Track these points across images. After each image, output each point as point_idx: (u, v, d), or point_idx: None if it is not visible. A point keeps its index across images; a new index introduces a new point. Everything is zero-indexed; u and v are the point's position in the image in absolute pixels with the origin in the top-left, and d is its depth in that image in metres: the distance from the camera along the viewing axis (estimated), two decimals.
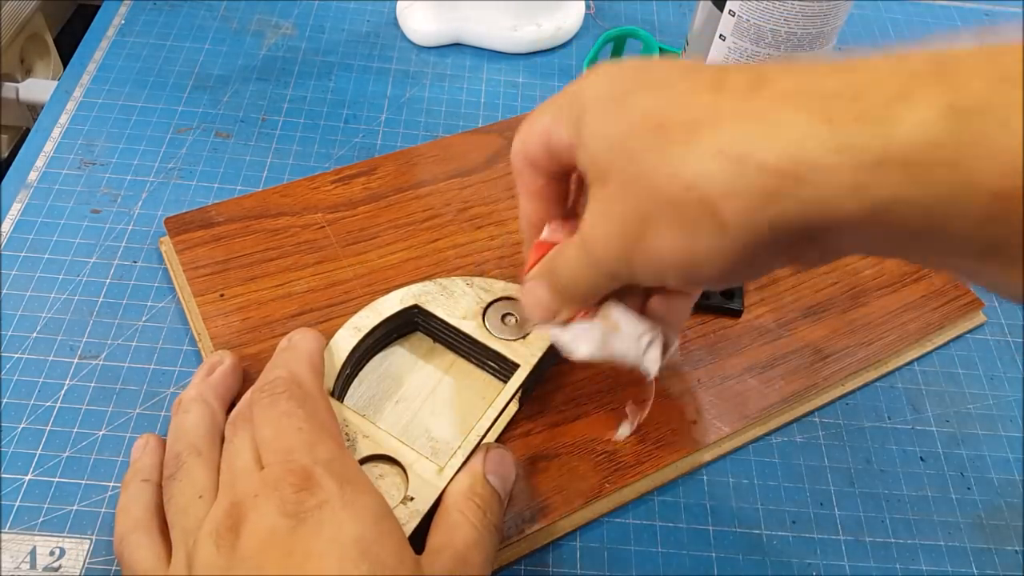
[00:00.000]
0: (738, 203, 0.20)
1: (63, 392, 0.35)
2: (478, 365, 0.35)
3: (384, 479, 0.30)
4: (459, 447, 0.31)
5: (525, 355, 0.33)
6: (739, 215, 0.20)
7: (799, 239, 0.20)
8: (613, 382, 0.36)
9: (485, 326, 0.34)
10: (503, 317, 0.34)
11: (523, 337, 0.34)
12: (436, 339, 0.36)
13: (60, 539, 0.31)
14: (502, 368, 0.34)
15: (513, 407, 0.34)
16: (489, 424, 0.31)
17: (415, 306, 0.35)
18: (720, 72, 0.22)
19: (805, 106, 0.19)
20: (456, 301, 0.35)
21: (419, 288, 0.35)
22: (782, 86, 0.20)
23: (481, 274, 0.38)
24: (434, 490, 0.29)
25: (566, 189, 0.29)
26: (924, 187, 0.18)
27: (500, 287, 0.35)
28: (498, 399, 0.32)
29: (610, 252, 0.24)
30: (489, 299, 0.35)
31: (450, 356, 0.36)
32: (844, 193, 0.18)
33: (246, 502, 0.25)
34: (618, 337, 0.28)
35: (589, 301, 0.28)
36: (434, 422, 0.34)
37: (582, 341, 0.29)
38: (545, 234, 0.29)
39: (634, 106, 0.22)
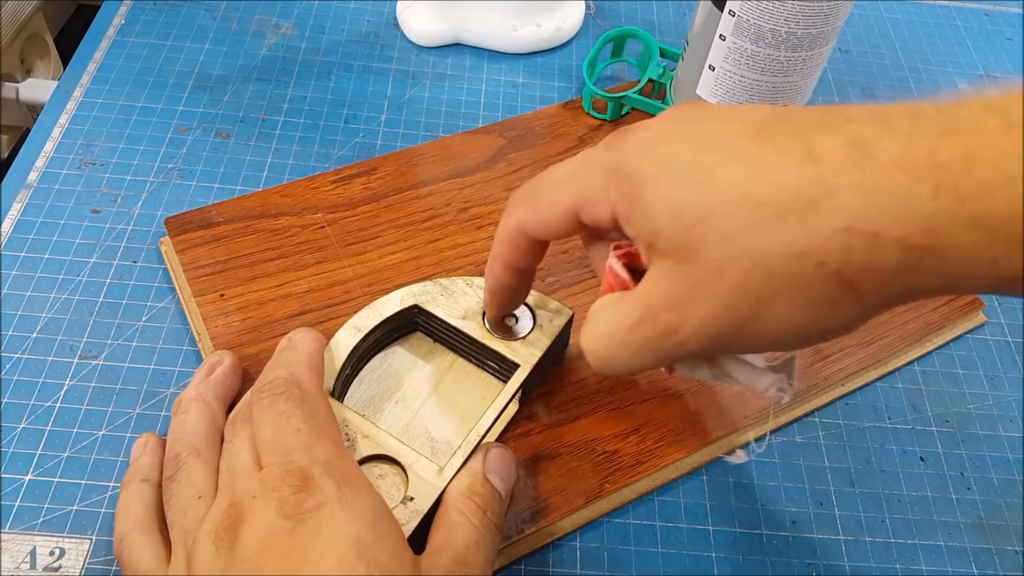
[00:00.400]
0: (877, 277, 0.20)
1: (63, 392, 0.35)
2: (478, 365, 0.35)
3: (384, 479, 0.30)
4: (459, 447, 0.31)
5: (525, 355, 0.33)
6: (877, 287, 0.20)
7: (923, 296, 0.21)
8: (614, 382, 0.36)
9: (485, 326, 0.34)
10: (503, 317, 0.34)
11: (523, 337, 0.34)
12: (436, 339, 0.36)
13: (60, 539, 0.31)
14: (502, 368, 0.34)
15: (513, 407, 0.34)
16: (489, 424, 0.31)
17: (415, 306, 0.35)
18: (800, 138, 0.21)
19: (924, 177, 0.19)
20: (456, 301, 0.35)
21: (419, 288, 0.35)
22: (888, 154, 0.19)
23: (481, 274, 0.38)
24: (434, 490, 0.29)
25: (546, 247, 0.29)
26: None
27: None
28: (498, 399, 0.32)
29: (708, 334, 0.22)
30: None
31: (450, 356, 0.36)
32: (982, 266, 0.18)
33: (245, 503, 0.25)
34: (735, 376, 0.27)
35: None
36: (434, 422, 0.34)
37: (687, 372, 0.28)
38: (619, 270, 0.26)
39: (715, 181, 0.21)
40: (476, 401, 0.34)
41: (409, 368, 0.35)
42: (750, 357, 0.27)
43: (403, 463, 0.30)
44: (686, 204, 0.22)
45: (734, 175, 0.21)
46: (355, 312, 0.34)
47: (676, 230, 0.22)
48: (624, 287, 0.26)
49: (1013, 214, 0.18)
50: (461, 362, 0.36)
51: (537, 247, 0.28)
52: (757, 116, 0.22)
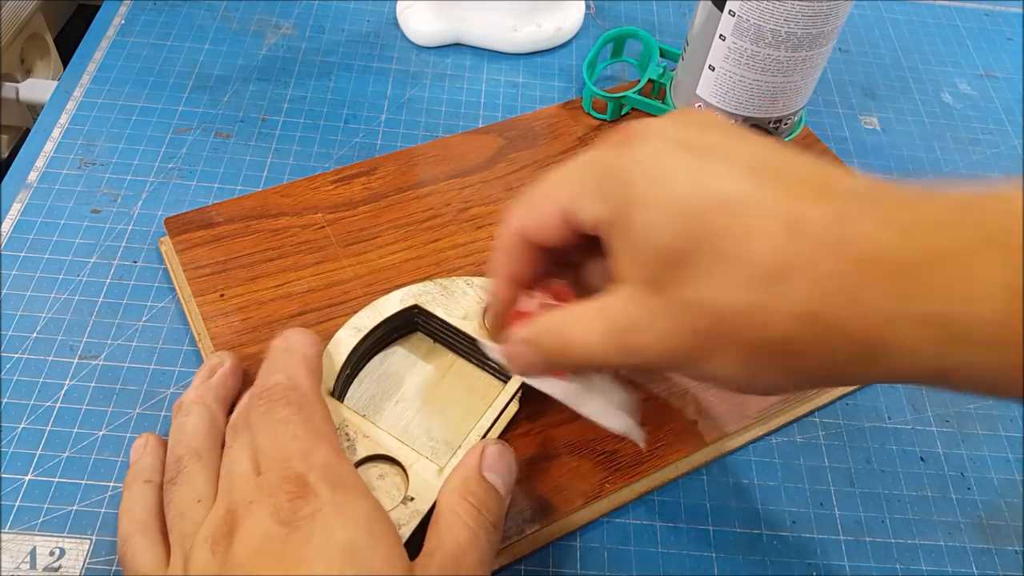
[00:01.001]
0: (823, 363, 0.21)
1: (63, 392, 0.35)
2: (478, 365, 0.35)
3: (384, 479, 0.30)
4: (459, 447, 0.31)
5: None
6: (819, 372, 0.22)
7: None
8: None
9: (485, 326, 0.34)
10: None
11: None
12: (436, 339, 0.36)
13: (60, 539, 0.31)
14: (502, 368, 0.34)
15: (513, 407, 0.34)
16: (489, 424, 0.31)
17: (415, 306, 0.35)
18: (791, 200, 0.21)
19: (883, 275, 0.20)
20: (456, 301, 0.35)
21: (419, 288, 0.35)
22: (862, 242, 0.20)
23: (481, 274, 0.38)
24: (434, 490, 0.29)
25: (546, 257, 0.29)
26: (993, 357, 0.19)
27: None
28: (498, 399, 0.32)
29: (662, 357, 0.24)
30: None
31: (450, 356, 0.36)
32: (923, 364, 0.20)
33: (241, 508, 0.26)
34: (592, 398, 0.30)
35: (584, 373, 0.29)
36: (434, 422, 0.34)
37: (551, 388, 0.30)
38: (530, 306, 0.29)
39: (703, 223, 0.22)
40: (476, 401, 0.34)
41: (409, 368, 0.35)
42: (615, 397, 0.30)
43: (403, 463, 0.30)
44: (670, 238, 0.22)
45: (722, 221, 0.22)
46: (355, 312, 0.34)
47: (655, 261, 0.23)
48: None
49: (951, 315, 0.19)
50: (461, 362, 0.36)
51: (533, 254, 0.28)
52: (755, 159, 0.23)
